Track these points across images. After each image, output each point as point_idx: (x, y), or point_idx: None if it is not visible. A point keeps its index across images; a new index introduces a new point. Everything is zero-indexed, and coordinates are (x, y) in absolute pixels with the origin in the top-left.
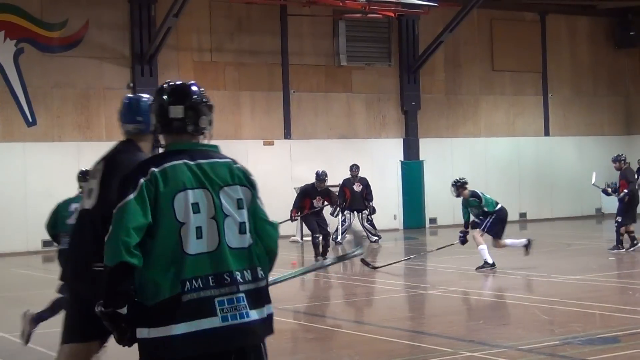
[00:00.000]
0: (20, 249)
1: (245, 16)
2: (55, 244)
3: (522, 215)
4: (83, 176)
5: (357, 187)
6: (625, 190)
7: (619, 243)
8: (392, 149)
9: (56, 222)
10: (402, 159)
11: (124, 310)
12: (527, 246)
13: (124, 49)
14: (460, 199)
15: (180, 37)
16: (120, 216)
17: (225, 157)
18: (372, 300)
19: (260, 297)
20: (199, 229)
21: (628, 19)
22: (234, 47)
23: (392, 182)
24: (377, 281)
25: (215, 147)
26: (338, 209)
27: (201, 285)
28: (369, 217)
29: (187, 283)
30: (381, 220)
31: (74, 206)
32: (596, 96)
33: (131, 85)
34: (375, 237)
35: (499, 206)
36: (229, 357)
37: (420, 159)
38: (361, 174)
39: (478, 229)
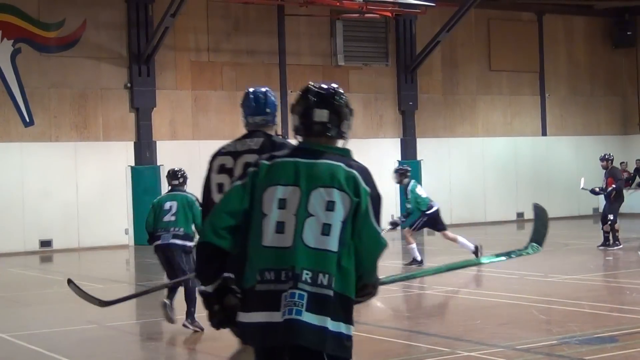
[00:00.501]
0: (17, 249)
1: (242, 16)
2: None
3: (520, 215)
4: (174, 175)
5: None
6: (614, 185)
7: (616, 239)
8: (389, 149)
9: (156, 219)
10: (400, 159)
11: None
12: (475, 252)
13: (121, 49)
14: None
15: (177, 37)
16: (221, 200)
17: (339, 161)
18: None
19: (324, 306)
20: (280, 224)
21: (625, 19)
22: (231, 47)
23: (390, 182)
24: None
25: (346, 151)
26: None
27: (268, 278)
28: None
29: (258, 274)
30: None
31: (168, 204)
32: (593, 96)
33: (128, 85)
34: None
35: (433, 209)
36: (282, 353)
37: (418, 158)
38: None
39: (408, 228)
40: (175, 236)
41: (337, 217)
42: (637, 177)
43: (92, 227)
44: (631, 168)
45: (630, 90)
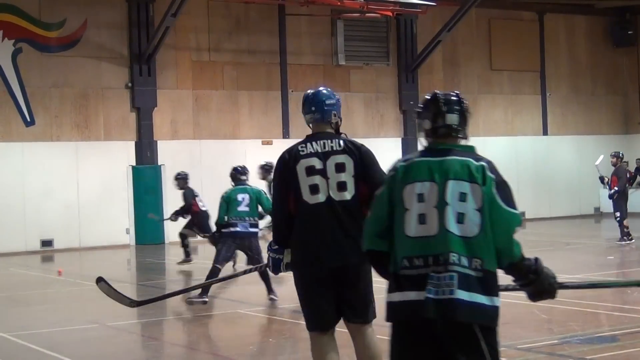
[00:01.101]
0: (18, 249)
1: (243, 15)
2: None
3: (521, 214)
4: (242, 172)
5: None
6: (616, 188)
7: (625, 235)
8: (390, 149)
9: (229, 209)
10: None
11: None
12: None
13: (122, 49)
14: None
15: (178, 37)
16: (372, 207)
17: (467, 156)
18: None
19: (472, 283)
20: (422, 216)
21: (626, 18)
22: (232, 47)
23: None
24: (376, 280)
25: (472, 147)
26: None
27: (417, 264)
28: None
29: (406, 261)
30: None
31: (240, 196)
32: (594, 95)
33: (129, 85)
34: None
35: None
36: (435, 327)
37: None
38: None
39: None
40: (251, 225)
41: (471, 206)
42: (638, 176)
43: (93, 227)
44: (632, 167)
45: (632, 89)
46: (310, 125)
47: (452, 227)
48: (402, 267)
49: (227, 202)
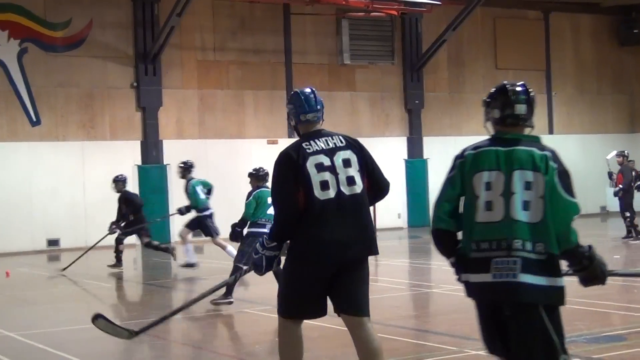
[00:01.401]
0: (25, 248)
1: (248, 15)
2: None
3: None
4: (266, 175)
5: None
6: (621, 186)
7: (636, 233)
8: (396, 148)
9: (258, 209)
10: (406, 158)
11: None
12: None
13: (127, 48)
14: None
15: (183, 36)
16: (440, 190)
17: (532, 146)
18: (376, 299)
19: (535, 266)
20: (489, 203)
21: (632, 17)
22: (237, 46)
23: (397, 181)
24: (381, 279)
25: (537, 138)
26: None
27: (483, 248)
28: None
29: (474, 244)
30: (385, 218)
31: (270, 199)
32: (600, 94)
33: (135, 84)
34: None
35: (208, 212)
36: (500, 309)
37: (424, 157)
38: None
39: (184, 227)
40: None
41: (535, 194)
42: None
43: (100, 226)
44: (638, 166)
45: (637, 88)
46: (305, 123)
47: (519, 214)
48: (471, 250)
49: (257, 202)
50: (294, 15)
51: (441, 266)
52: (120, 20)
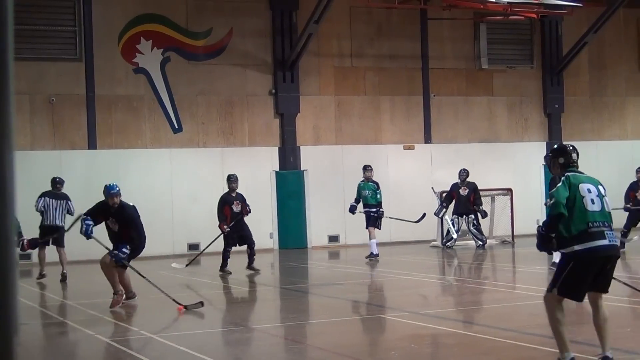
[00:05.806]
0: (166, 252)
1: (385, 21)
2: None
3: None
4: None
5: (464, 192)
6: None
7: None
8: (535, 153)
9: None
10: (545, 163)
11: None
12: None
13: (266, 56)
14: None
15: (320, 43)
16: (557, 192)
17: (591, 176)
18: (513, 307)
19: (614, 236)
20: (592, 200)
21: None
22: (373, 52)
23: (535, 186)
24: (518, 287)
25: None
26: (443, 209)
27: (598, 225)
28: (475, 221)
29: (590, 223)
30: (523, 225)
31: None
32: None
33: (273, 91)
34: (480, 242)
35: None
36: (604, 261)
37: None
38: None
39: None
40: None
41: (605, 198)
42: None
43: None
44: None
45: None
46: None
47: (607, 207)
48: (589, 227)
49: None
50: (431, 20)
51: None
52: (259, 29)
